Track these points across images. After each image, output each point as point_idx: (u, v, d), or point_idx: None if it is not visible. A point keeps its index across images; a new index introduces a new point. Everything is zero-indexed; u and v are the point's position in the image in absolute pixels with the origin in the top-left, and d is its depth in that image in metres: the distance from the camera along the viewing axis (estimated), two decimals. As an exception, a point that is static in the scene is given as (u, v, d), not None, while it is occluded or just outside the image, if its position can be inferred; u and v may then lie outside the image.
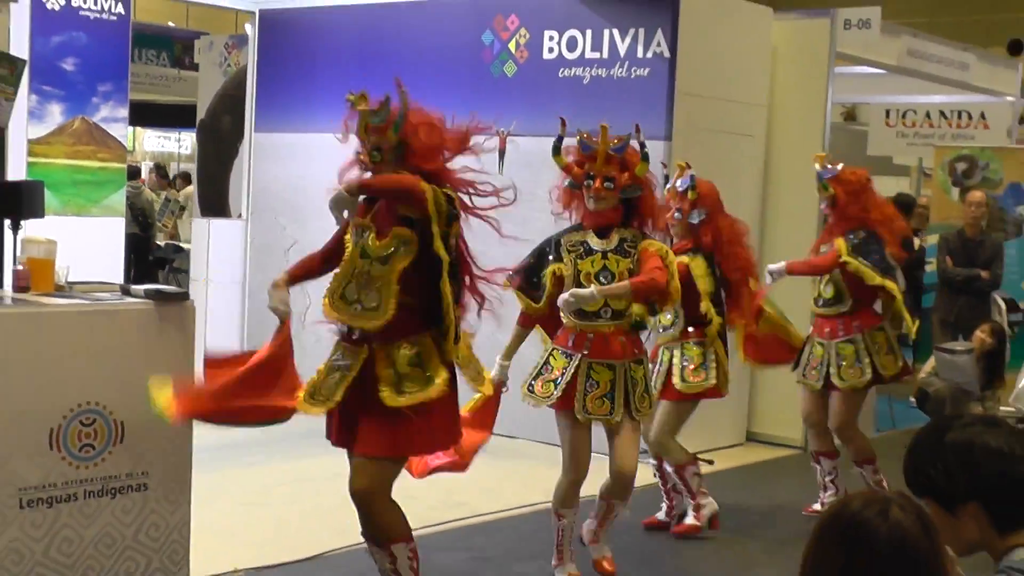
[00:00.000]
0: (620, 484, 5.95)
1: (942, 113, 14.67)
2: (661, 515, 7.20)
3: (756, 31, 9.65)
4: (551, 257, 5.90)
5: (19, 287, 5.32)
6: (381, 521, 4.97)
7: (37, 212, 6.83)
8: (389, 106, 4.88)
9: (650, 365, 6.36)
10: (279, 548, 6.38)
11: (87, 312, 5.13)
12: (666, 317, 6.72)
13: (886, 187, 17.41)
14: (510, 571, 6.37)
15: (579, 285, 5.76)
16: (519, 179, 8.97)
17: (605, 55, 9.04)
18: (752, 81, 9.61)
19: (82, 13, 9.64)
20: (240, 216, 11.32)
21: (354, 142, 5.00)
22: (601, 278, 5.73)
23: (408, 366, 4.84)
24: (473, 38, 9.65)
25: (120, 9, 9.88)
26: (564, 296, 5.67)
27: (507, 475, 7.28)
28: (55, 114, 9.67)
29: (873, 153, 15.78)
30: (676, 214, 6.78)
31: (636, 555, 6.63)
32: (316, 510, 7.02)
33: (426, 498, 7.00)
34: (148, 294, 5.30)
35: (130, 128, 11.63)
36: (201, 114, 12.14)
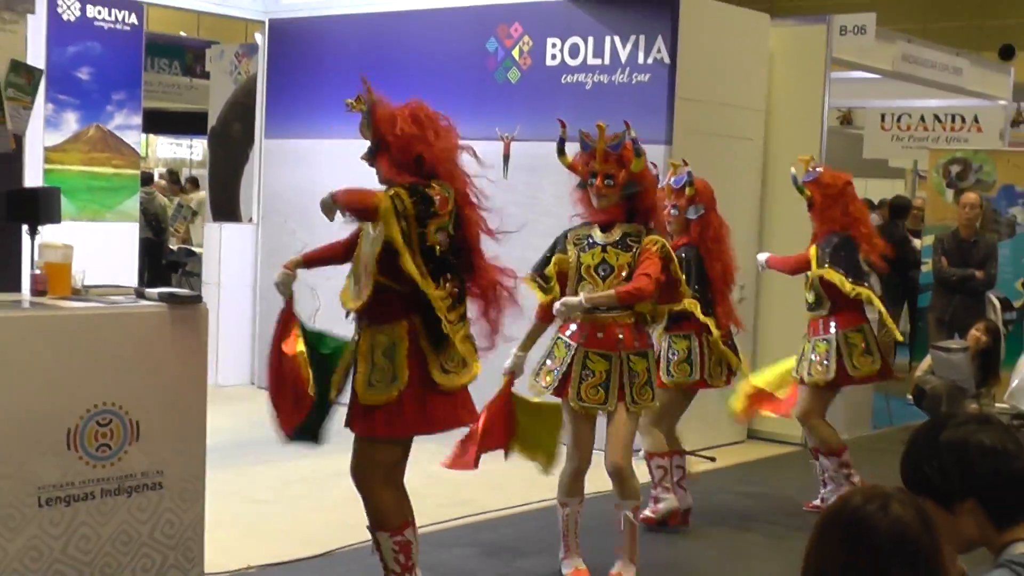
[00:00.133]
0: (614, 480, 6.00)
1: (936, 117, 14.74)
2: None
3: (754, 37, 9.72)
4: (558, 249, 6.05)
5: (37, 291, 5.34)
6: (368, 505, 5.11)
7: (54, 218, 6.90)
8: (362, 105, 5.01)
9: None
10: (292, 544, 6.44)
11: (103, 315, 5.11)
12: None
13: (882, 190, 17.55)
14: (516, 566, 6.42)
15: (580, 277, 5.90)
16: (522, 183, 9.21)
17: (607, 61, 9.12)
18: (750, 86, 9.67)
19: (96, 24, 9.80)
20: (251, 220, 11.41)
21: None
22: (600, 271, 5.84)
23: (383, 356, 4.95)
24: (478, 46, 9.74)
25: (133, 20, 10.02)
26: (556, 306, 5.80)
27: (513, 472, 7.37)
28: (71, 122, 9.81)
29: (869, 156, 15.86)
30: (672, 211, 6.84)
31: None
32: (328, 507, 7.06)
33: (434, 495, 7.11)
34: (162, 297, 5.29)
35: (143, 135, 11.76)
36: (212, 121, 12.22)
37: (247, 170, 11.75)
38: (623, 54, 9.05)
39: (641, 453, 7.08)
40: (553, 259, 6.02)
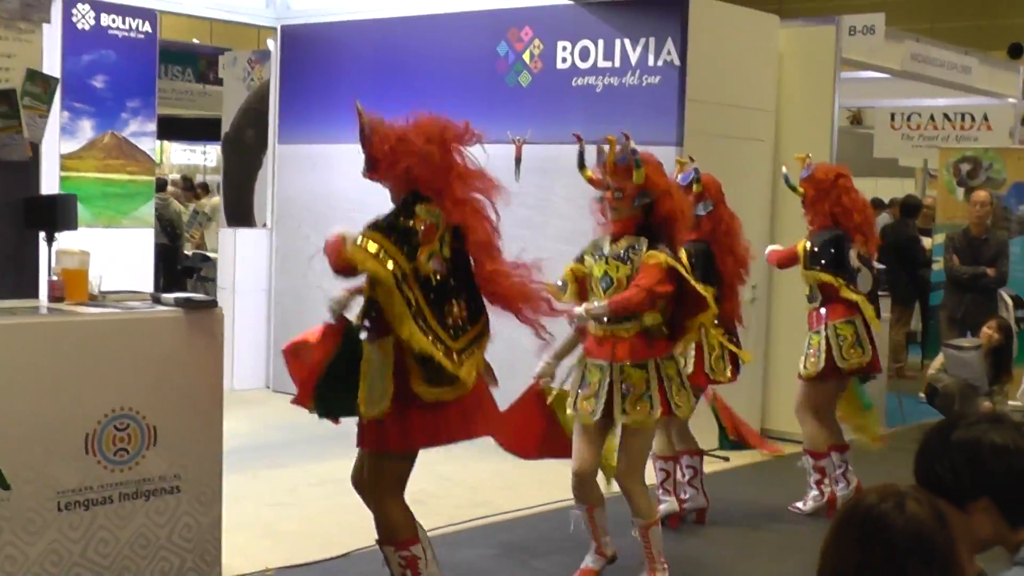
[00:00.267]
0: (624, 495, 6.00)
1: (946, 116, 14.73)
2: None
3: (763, 38, 9.73)
4: (576, 258, 6.04)
5: (54, 297, 5.41)
6: (376, 518, 5.11)
7: (70, 224, 6.98)
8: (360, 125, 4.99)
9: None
10: (309, 547, 6.47)
11: (120, 321, 5.17)
12: None
13: (892, 189, 17.54)
14: (531, 566, 6.46)
15: (592, 288, 5.92)
16: (534, 186, 9.24)
17: (617, 64, 9.13)
18: (760, 87, 9.69)
19: (111, 32, 9.86)
20: (265, 225, 11.46)
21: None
22: (603, 282, 5.83)
23: (375, 372, 4.91)
24: (488, 50, 9.78)
25: (147, 28, 10.09)
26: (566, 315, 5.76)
27: (528, 474, 7.40)
28: (86, 129, 9.88)
29: (879, 156, 15.86)
30: None
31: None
32: (343, 509, 6.93)
33: (452, 497, 7.22)
34: (178, 302, 5.35)
35: (158, 142, 11.83)
36: (226, 127, 12.28)
37: (261, 175, 11.80)
38: (633, 57, 9.06)
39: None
40: (568, 267, 5.99)
